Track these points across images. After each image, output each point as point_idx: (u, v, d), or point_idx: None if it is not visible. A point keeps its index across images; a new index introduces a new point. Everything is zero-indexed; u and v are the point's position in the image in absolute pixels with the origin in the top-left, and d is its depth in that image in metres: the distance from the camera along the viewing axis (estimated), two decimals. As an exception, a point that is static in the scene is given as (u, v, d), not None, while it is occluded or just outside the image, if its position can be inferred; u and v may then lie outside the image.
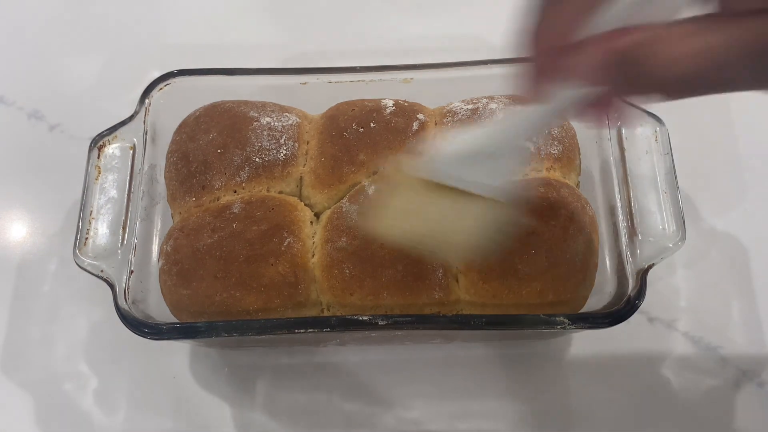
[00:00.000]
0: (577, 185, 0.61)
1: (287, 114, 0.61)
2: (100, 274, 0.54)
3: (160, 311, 0.57)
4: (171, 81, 0.62)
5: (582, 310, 0.56)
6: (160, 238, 0.60)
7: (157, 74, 0.62)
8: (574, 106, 0.39)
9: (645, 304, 0.53)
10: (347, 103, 0.62)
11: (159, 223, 0.61)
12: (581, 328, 0.52)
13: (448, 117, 0.61)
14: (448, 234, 0.47)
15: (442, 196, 0.46)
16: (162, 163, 0.61)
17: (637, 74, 0.33)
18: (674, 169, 0.57)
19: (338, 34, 0.81)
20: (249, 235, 0.55)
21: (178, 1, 0.84)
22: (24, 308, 0.66)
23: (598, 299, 0.56)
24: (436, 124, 0.61)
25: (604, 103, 0.39)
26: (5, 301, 0.67)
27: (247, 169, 0.58)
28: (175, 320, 0.57)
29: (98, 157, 0.59)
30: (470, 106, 0.60)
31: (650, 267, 0.53)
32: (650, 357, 0.63)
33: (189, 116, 0.62)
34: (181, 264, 0.55)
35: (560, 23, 0.36)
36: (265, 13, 0.83)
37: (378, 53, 0.73)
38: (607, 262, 0.58)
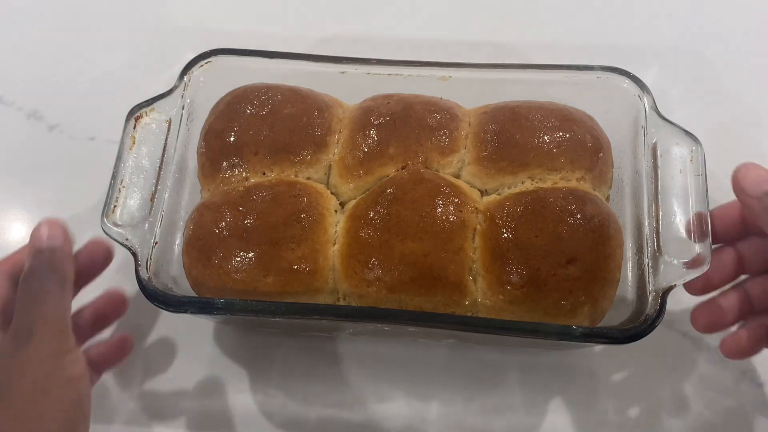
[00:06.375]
0: (607, 199, 0.60)
1: (323, 101, 0.62)
2: (125, 242, 0.55)
3: (180, 285, 0.58)
4: (211, 59, 0.63)
5: (600, 324, 0.55)
6: (186, 213, 0.61)
7: (159, 73, 0.61)
8: None
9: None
10: (384, 96, 0.62)
11: (187, 198, 0.62)
12: (597, 343, 0.52)
13: (483, 117, 0.60)
14: None
15: None
16: (196, 139, 0.62)
17: None
18: (707, 191, 0.55)
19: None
20: (273, 218, 0.56)
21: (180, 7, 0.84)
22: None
23: (616, 313, 0.55)
24: (469, 124, 0.61)
25: None
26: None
27: (277, 152, 0.59)
28: (194, 295, 0.57)
29: (134, 128, 0.59)
30: (507, 111, 0.60)
31: (671, 288, 0.52)
32: (650, 357, 0.63)
33: (226, 96, 0.62)
34: (204, 240, 0.56)
35: None
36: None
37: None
38: (629, 278, 0.57)
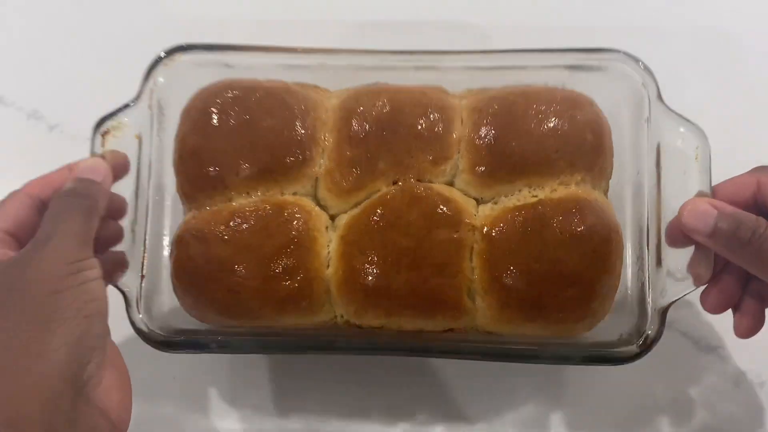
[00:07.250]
0: (606, 191, 0.58)
1: (303, 106, 0.56)
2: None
3: (172, 305, 0.57)
4: (176, 57, 0.57)
5: (598, 335, 0.56)
6: (171, 230, 0.58)
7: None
8: None
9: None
10: (368, 94, 0.57)
11: (170, 216, 0.59)
12: (596, 365, 0.53)
13: (477, 117, 0.56)
14: None
15: None
16: (169, 149, 0.57)
17: None
18: (710, 183, 0.53)
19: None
20: (264, 251, 0.53)
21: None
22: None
23: (615, 321, 0.55)
24: (462, 122, 0.57)
25: None
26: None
27: (260, 172, 0.55)
28: (188, 321, 0.57)
29: (102, 145, 0.55)
30: (502, 111, 0.56)
31: (671, 305, 0.52)
32: (650, 357, 0.63)
33: (195, 99, 0.57)
34: (195, 273, 0.54)
35: None
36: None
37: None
38: (629, 288, 0.57)
